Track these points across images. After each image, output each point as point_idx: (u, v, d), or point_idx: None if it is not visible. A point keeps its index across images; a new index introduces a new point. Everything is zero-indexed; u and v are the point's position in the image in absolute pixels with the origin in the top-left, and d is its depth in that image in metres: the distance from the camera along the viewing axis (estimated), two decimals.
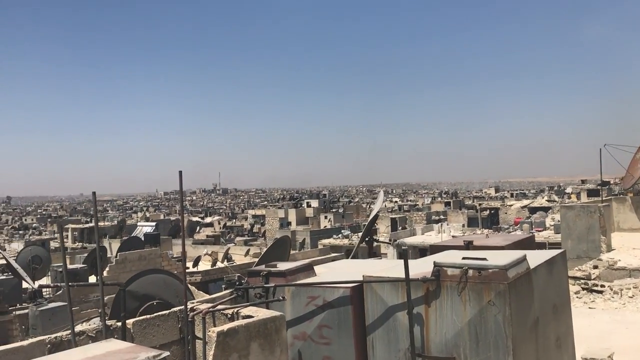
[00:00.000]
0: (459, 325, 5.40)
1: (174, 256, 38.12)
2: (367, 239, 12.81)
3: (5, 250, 72.98)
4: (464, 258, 5.60)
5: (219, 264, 43.63)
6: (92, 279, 29.11)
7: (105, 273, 29.29)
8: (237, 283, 6.47)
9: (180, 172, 5.36)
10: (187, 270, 31.44)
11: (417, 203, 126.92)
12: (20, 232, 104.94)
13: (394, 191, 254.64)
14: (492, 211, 75.15)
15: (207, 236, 72.81)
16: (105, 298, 21.06)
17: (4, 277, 22.50)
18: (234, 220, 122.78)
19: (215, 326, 5.44)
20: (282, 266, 6.48)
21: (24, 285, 25.20)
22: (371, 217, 12.45)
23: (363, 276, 5.88)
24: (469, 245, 8.40)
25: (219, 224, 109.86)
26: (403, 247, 6.28)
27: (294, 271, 6.33)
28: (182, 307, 5.79)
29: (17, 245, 77.79)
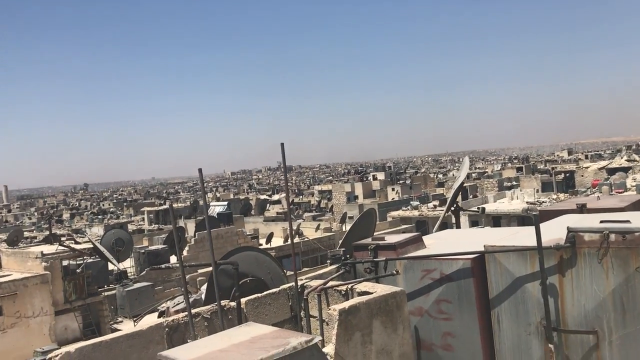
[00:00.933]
0: (601, 295, 4.82)
1: (248, 233, 38.58)
2: (452, 208, 12.23)
3: (86, 234, 76.49)
4: (602, 221, 5.00)
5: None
6: (173, 259, 29.85)
7: (185, 252, 29.92)
8: (343, 258, 6.12)
9: (282, 144, 5.00)
10: (260, 247, 31.54)
11: (486, 170, 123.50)
12: (99, 216, 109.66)
13: (461, 159, 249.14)
14: (567, 174, 72.00)
15: (277, 213, 73.57)
16: (188, 277, 21.25)
17: (91, 260, 23.28)
18: (301, 197, 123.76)
19: (329, 304, 5.11)
20: (390, 239, 6.07)
21: (110, 267, 26.12)
22: (456, 185, 11.83)
23: (485, 246, 5.38)
24: (582, 209, 7.70)
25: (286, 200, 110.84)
26: (533, 213, 5.68)
27: (404, 243, 5.91)
28: (292, 284, 5.49)
29: (97, 230, 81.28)
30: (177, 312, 24.05)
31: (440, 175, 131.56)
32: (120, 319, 23.89)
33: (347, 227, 54.72)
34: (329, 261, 6.61)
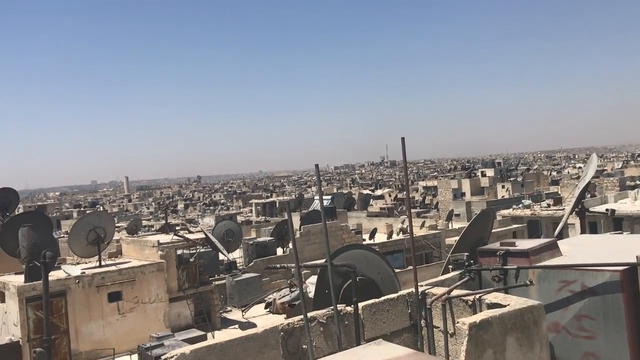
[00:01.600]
0: None
1: (352, 229, 38.40)
2: (577, 209, 11.19)
3: (198, 224, 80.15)
4: None
5: (395, 236, 43.32)
6: (279, 251, 30.38)
7: (290, 245, 30.29)
8: (467, 263, 5.61)
9: (403, 139, 4.61)
10: (363, 243, 31.12)
11: (606, 168, 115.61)
12: (211, 207, 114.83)
13: (577, 156, 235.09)
14: None
15: (381, 208, 73.06)
16: (292, 269, 21.09)
17: (203, 250, 24.08)
18: (405, 192, 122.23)
19: (453, 314, 4.67)
20: (522, 244, 5.48)
21: (220, 257, 26.94)
22: (582, 184, 10.77)
23: (638, 257, 4.69)
24: None
25: (390, 196, 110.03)
26: None
27: (538, 250, 5.31)
28: (411, 290, 5.09)
29: (209, 220, 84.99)
30: (283, 304, 24.29)
31: (554, 173, 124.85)
32: (229, 308, 24.61)
33: (454, 225, 53.18)
34: (450, 266, 6.12)
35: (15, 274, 19.77)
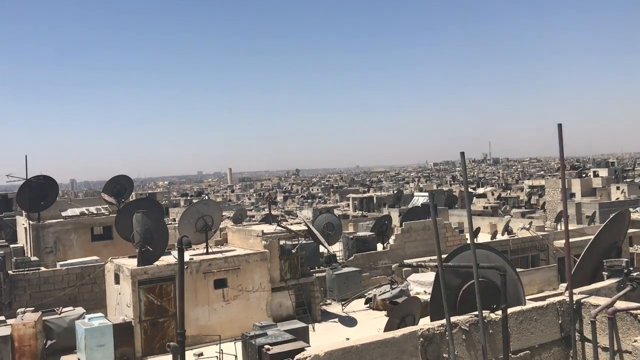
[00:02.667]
0: None
1: (454, 227, 37.19)
2: None
3: (297, 216, 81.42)
4: None
5: (499, 237, 41.51)
6: (379, 246, 29.96)
7: (391, 241, 29.78)
8: (627, 270, 4.92)
9: (560, 125, 4.05)
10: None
11: None
12: (309, 200, 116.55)
13: None
14: None
15: (484, 207, 70.59)
16: (393, 266, 20.55)
17: (305, 242, 24.15)
18: (509, 191, 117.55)
19: (616, 329, 4.04)
20: None
21: (320, 249, 26.96)
22: None
23: None
24: None
25: (493, 194, 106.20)
26: None
27: None
28: (562, 297, 4.50)
29: (307, 212, 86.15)
30: (384, 300, 23.80)
31: None
32: (329, 301, 24.55)
33: (562, 226, 50.17)
34: (605, 274, 5.41)
35: (129, 257, 20.77)
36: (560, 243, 41.23)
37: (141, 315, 18.80)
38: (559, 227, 49.17)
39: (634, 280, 4.73)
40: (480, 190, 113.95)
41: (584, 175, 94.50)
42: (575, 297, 4.72)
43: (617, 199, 75.69)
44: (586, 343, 4.46)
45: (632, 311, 4.17)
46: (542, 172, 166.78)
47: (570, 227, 40.11)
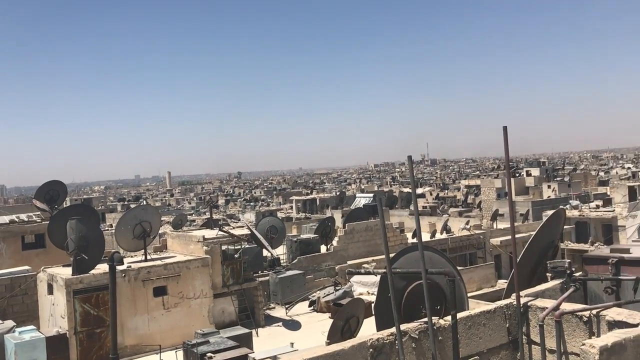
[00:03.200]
0: None
1: (395, 227, 37.61)
2: None
3: (239, 220, 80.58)
4: None
5: (438, 236, 42.39)
6: (323, 248, 29.95)
7: (334, 243, 29.84)
8: (569, 272, 4.97)
9: (505, 127, 4.06)
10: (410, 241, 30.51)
11: None
12: (251, 203, 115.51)
13: (625, 156, 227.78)
14: None
15: (423, 207, 71.96)
16: (336, 267, 20.60)
17: (247, 246, 23.83)
18: (446, 191, 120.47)
19: (562, 332, 4.05)
20: (638, 251, 4.82)
21: (263, 253, 26.68)
22: None
23: None
24: None
25: (431, 194, 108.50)
26: None
27: None
28: (509, 301, 4.49)
29: (249, 216, 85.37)
30: (327, 302, 23.74)
31: (602, 174, 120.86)
32: (272, 305, 24.31)
33: (498, 225, 51.83)
34: (549, 274, 5.46)
35: (63, 266, 19.90)
36: (496, 241, 42.54)
37: (77, 327, 18.03)
38: (494, 225, 50.71)
39: (576, 281, 4.78)
40: (419, 191, 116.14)
41: (517, 175, 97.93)
42: (522, 300, 4.74)
43: (549, 197, 78.78)
44: (533, 346, 4.49)
45: (577, 313, 4.21)
46: (478, 172, 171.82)
47: (503, 226, 41.20)
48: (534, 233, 7.89)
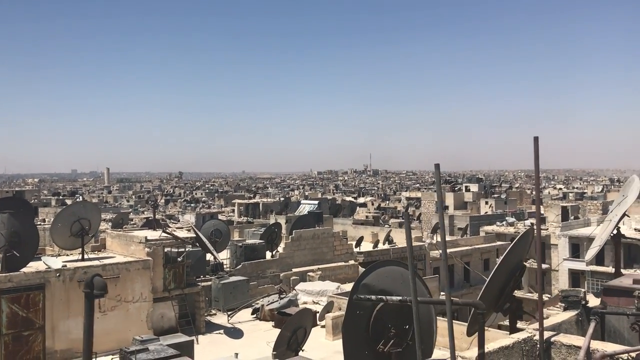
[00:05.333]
0: None
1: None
2: (613, 233, 10.43)
3: (179, 221, 78.57)
4: None
5: (381, 246, 42.58)
6: (268, 255, 29.33)
7: (280, 249, 29.31)
8: (584, 301, 4.67)
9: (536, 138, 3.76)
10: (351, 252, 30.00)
11: (586, 191, 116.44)
12: (192, 204, 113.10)
13: (556, 177, 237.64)
14: None
15: (366, 216, 72.36)
16: (281, 274, 20.11)
17: (190, 249, 23.00)
18: (387, 202, 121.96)
19: None
20: None
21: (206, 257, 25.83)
22: (623, 209, 10.02)
23: None
24: None
25: (373, 204, 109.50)
26: None
27: None
28: (527, 335, 4.10)
29: (190, 217, 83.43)
30: (272, 310, 23.16)
31: (622, 191, 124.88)
32: (213, 312, 23.55)
33: (437, 238, 52.55)
34: (563, 305, 5.15)
35: None
36: (436, 254, 43.13)
37: (2, 329, 16.78)
38: (435, 238, 51.47)
39: (596, 315, 4.48)
40: (361, 200, 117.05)
41: (457, 190, 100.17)
42: (533, 333, 4.41)
43: (486, 212, 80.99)
44: None
45: (620, 356, 3.82)
46: (418, 185, 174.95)
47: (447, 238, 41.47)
48: (504, 254, 7.70)
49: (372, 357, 6.79)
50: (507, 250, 7.77)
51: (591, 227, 49.72)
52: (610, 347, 3.97)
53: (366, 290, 6.97)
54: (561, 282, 48.68)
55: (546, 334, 4.42)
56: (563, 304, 5.13)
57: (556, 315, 4.92)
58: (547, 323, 5.00)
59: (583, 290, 5.36)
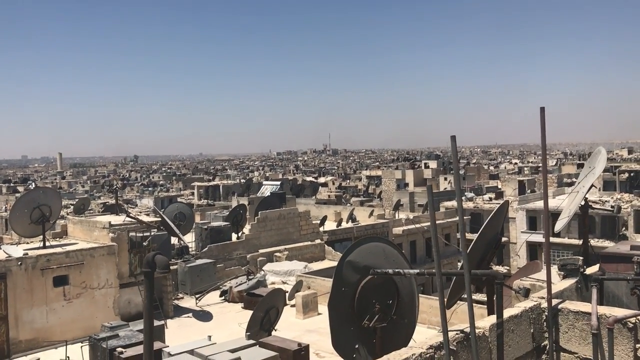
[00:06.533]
0: None
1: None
2: (581, 204, 10.67)
3: (136, 205, 77.19)
4: None
5: (345, 224, 42.86)
6: (234, 237, 29.14)
7: (246, 231, 29.16)
8: (582, 268, 4.75)
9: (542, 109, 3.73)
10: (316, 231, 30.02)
11: (540, 165, 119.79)
12: (149, 188, 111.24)
13: (511, 152, 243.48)
14: (632, 174, 69.77)
15: (329, 196, 72.60)
16: (248, 256, 20.01)
17: (155, 233, 22.63)
18: (348, 181, 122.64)
19: (613, 338, 3.73)
20: None
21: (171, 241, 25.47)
22: (591, 180, 10.24)
23: None
24: None
25: (334, 184, 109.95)
26: None
27: None
28: (533, 303, 4.13)
29: (147, 201, 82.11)
30: (240, 292, 23.12)
31: (492, 168, 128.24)
32: (180, 295, 23.31)
33: (400, 215, 53.25)
34: (560, 272, 5.24)
35: None
36: (398, 230, 43.75)
37: None
38: (397, 215, 52.14)
39: (597, 281, 4.57)
40: (322, 180, 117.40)
41: (416, 167, 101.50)
42: (538, 301, 4.46)
43: (445, 188, 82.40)
44: (564, 354, 4.21)
45: (629, 320, 3.89)
46: (377, 164, 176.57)
47: (405, 214, 42.34)
48: (482, 226, 7.81)
49: (357, 332, 6.82)
50: (484, 223, 7.89)
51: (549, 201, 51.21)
52: (617, 312, 4.08)
53: (351, 267, 6.98)
54: (521, 255, 50.09)
55: (555, 302, 4.50)
56: (562, 272, 5.25)
57: (556, 284, 5.03)
58: (553, 292, 5.09)
59: (581, 258, 5.50)
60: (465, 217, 54.86)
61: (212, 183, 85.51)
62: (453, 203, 62.89)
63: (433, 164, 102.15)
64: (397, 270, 5.90)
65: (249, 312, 16.10)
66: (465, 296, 5.43)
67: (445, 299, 6.94)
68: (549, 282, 4.18)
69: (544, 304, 4.38)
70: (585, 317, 4.05)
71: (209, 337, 15.03)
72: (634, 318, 3.90)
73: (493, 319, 4.18)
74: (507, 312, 4.31)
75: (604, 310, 4.11)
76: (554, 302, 4.39)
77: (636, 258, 4.51)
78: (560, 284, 5.07)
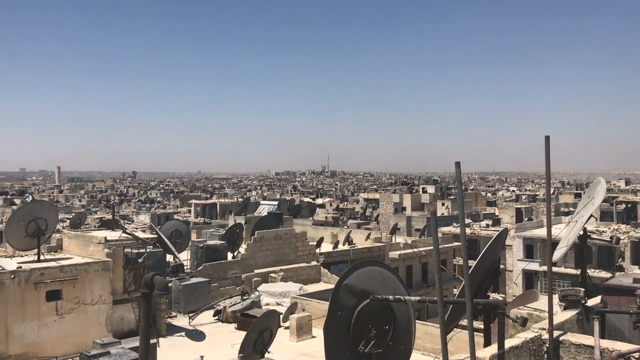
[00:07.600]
0: None
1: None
2: (580, 233, 10.65)
3: (133, 221, 76.90)
4: None
5: (341, 247, 42.67)
6: (230, 256, 28.99)
7: (242, 250, 29.03)
8: (583, 300, 4.71)
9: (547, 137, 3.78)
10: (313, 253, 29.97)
11: (538, 193, 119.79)
12: (146, 205, 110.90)
13: (509, 180, 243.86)
14: (629, 205, 69.99)
15: (326, 217, 72.45)
16: (243, 276, 19.92)
17: (150, 250, 22.51)
18: (345, 203, 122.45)
19: None
20: None
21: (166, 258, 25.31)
22: (590, 210, 10.24)
23: None
24: None
25: (331, 205, 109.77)
26: None
27: None
28: (534, 334, 4.09)
29: (144, 218, 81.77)
30: (234, 312, 22.90)
31: (490, 195, 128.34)
32: (174, 314, 23.10)
33: (396, 238, 53.03)
34: (561, 303, 5.18)
35: None
36: (394, 254, 43.56)
37: None
38: (393, 239, 51.99)
39: (599, 314, 4.51)
40: (319, 201, 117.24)
41: (414, 191, 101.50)
42: (540, 332, 4.42)
43: (442, 214, 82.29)
44: None
45: (633, 355, 3.84)
46: (375, 187, 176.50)
47: (401, 239, 42.19)
48: (481, 253, 7.78)
49: (352, 358, 6.74)
50: (483, 250, 7.85)
51: (544, 229, 51.06)
52: (620, 346, 4.03)
53: (348, 291, 6.92)
54: (517, 283, 49.82)
55: (557, 333, 4.45)
56: (562, 304, 5.20)
57: (557, 315, 4.96)
58: (555, 323, 5.03)
59: (582, 289, 5.44)
60: (461, 243, 54.86)
61: (209, 201, 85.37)
62: (450, 228, 62.74)
63: (431, 189, 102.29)
64: (397, 297, 5.84)
65: (243, 333, 15.96)
66: (462, 322, 5.36)
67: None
68: (550, 313, 4.13)
69: (545, 335, 4.33)
70: (588, 351, 4.00)
71: (201, 357, 14.88)
72: (637, 353, 3.85)
73: (493, 349, 4.13)
74: (508, 343, 4.26)
75: (606, 344, 4.06)
76: (555, 333, 4.34)
77: (639, 291, 4.46)
78: (561, 315, 5.01)
